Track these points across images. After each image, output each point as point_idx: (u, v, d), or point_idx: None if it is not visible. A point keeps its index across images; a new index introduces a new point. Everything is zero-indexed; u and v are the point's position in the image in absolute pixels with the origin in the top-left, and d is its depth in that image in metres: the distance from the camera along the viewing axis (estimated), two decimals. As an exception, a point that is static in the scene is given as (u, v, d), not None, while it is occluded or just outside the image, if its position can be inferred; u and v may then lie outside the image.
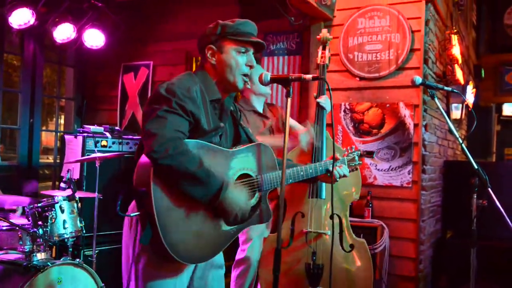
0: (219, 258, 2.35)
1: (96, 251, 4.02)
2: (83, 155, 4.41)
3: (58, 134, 6.16)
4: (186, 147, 2.00)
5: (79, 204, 3.65)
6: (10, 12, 4.65)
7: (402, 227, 4.21)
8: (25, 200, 3.57)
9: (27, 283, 3.01)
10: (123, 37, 5.69)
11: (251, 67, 2.26)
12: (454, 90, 2.98)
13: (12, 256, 3.32)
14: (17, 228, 3.33)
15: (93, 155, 4.03)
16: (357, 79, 4.44)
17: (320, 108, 3.48)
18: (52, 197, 3.56)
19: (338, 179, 2.59)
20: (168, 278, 2.12)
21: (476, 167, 2.59)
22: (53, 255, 3.87)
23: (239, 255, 3.61)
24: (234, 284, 3.58)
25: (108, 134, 4.65)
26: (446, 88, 3.00)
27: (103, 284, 3.40)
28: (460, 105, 6.04)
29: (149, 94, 5.77)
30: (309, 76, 2.24)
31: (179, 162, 1.96)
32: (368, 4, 4.41)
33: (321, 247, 3.27)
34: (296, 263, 3.29)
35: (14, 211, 3.86)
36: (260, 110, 3.72)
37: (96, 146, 4.48)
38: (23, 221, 3.52)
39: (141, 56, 5.87)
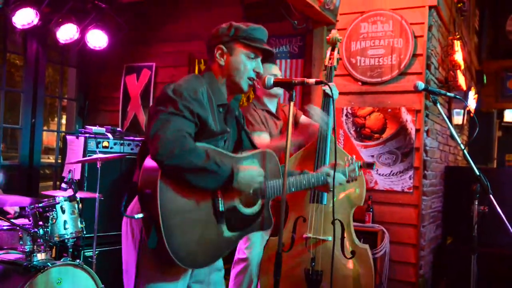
0: (219, 261, 2.35)
1: (96, 252, 4.02)
2: (84, 155, 4.41)
3: (60, 134, 6.16)
4: (191, 144, 1.98)
5: (80, 205, 3.65)
6: (13, 12, 4.65)
7: (403, 232, 4.21)
8: (26, 200, 3.57)
9: (27, 283, 3.01)
10: (126, 38, 5.70)
11: (258, 73, 2.25)
12: (457, 96, 2.98)
13: (13, 256, 3.32)
14: (18, 228, 3.33)
15: (94, 156, 4.04)
16: (359, 83, 4.45)
17: (326, 96, 3.41)
18: (53, 197, 3.56)
19: (331, 189, 2.60)
20: (169, 282, 2.11)
21: (478, 173, 2.59)
22: (53, 255, 3.87)
23: (238, 255, 3.60)
24: (232, 283, 3.57)
25: (109, 135, 4.66)
26: (448, 94, 2.99)
27: (103, 285, 3.39)
28: (462, 111, 6.04)
29: (151, 96, 5.78)
30: (312, 80, 2.25)
31: (186, 159, 1.94)
32: (371, 9, 4.41)
33: (321, 253, 3.23)
34: (296, 268, 3.26)
35: (8, 213, 3.87)
36: (273, 110, 3.63)
37: (97, 147, 4.49)
38: (23, 221, 3.52)
39: (144, 57, 5.88)
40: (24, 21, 4.77)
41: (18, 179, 5.48)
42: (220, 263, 2.38)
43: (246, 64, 2.22)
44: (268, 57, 2.33)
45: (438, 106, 2.77)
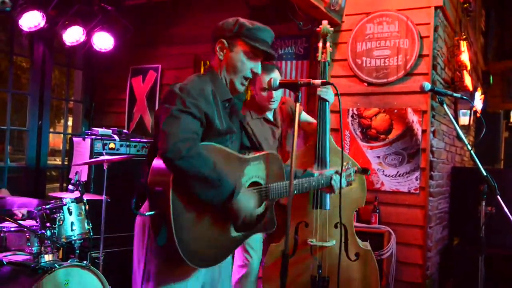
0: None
1: (103, 253, 4.03)
2: (91, 157, 4.43)
3: (66, 136, 6.19)
4: (199, 149, 1.98)
5: (87, 206, 3.67)
6: (20, 14, 4.68)
7: (409, 233, 4.20)
8: (33, 201, 3.59)
9: (35, 285, 3.03)
10: (132, 41, 5.72)
11: (255, 74, 2.24)
12: (463, 97, 2.97)
13: (20, 257, 3.35)
14: (25, 229, 3.35)
15: (101, 158, 4.05)
16: (365, 84, 4.44)
17: (321, 100, 3.26)
18: (60, 199, 3.58)
19: (335, 193, 2.68)
20: (179, 281, 2.12)
21: (485, 173, 2.58)
22: (60, 257, 3.89)
23: (239, 261, 3.55)
24: None
25: (116, 137, 4.67)
26: (455, 94, 2.99)
27: (110, 286, 3.41)
28: (468, 111, 6.02)
29: (157, 97, 5.80)
30: (318, 81, 2.25)
31: (192, 164, 1.93)
32: (377, 10, 4.41)
33: (327, 259, 3.19)
34: (301, 275, 3.22)
35: (17, 215, 3.89)
36: (270, 116, 3.47)
37: (104, 149, 4.50)
38: (31, 222, 3.54)
39: (150, 59, 5.90)
40: (31, 23, 4.80)
41: (25, 181, 5.51)
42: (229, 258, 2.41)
43: (244, 63, 2.20)
44: (269, 60, 2.30)
45: (445, 106, 2.76)
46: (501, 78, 8.41)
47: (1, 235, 3.54)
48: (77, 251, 3.77)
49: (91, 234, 3.67)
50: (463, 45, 4.85)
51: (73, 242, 3.63)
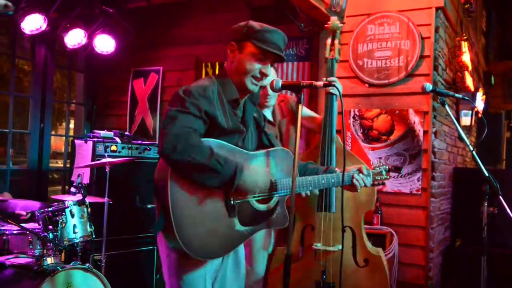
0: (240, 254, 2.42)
1: (106, 256, 4.03)
2: (93, 160, 4.43)
3: (68, 138, 6.20)
4: (195, 141, 2.03)
5: (89, 209, 3.67)
6: (22, 17, 4.69)
7: (411, 234, 4.20)
8: (35, 204, 3.60)
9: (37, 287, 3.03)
10: (133, 43, 5.73)
11: (264, 75, 2.26)
12: (465, 98, 2.97)
13: (23, 260, 3.35)
14: (28, 232, 3.35)
15: (103, 160, 4.05)
16: (367, 85, 4.44)
17: (328, 94, 3.21)
18: (63, 201, 3.58)
19: (358, 190, 2.58)
20: (196, 270, 2.19)
21: (487, 174, 2.58)
22: (63, 259, 3.89)
23: None
24: None
25: (117, 139, 4.67)
26: (456, 95, 2.99)
27: (112, 289, 3.41)
28: (470, 112, 6.02)
29: (159, 100, 5.81)
30: (320, 83, 2.24)
31: (189, 155, 1.99)
32: (378, 11, 4.41)
33: (332, 264, 3.07)
34: (305, 280, 3.11)
35: (22, 215, 3.89)
36: (269, 115, 3.43)
37: (106, 151, 4.50)
38: (33, 225, 3.54)
39: (151, 61, 5.91)
40: (33, 26, 4.81)
41: (27, 184, 5.52)
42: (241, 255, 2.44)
43: (253, 64, 2.23)
44: (278, 62, 2.33)
45: (446, 107, 2.76)
46: (503, 79, 8.41)
47: (4, 238, 3.55)
48: (80, 254, 3.77)
49: (94, 236, 3.68)
50: (464, 46, 4.85)
51: (75, 244, 3.63)
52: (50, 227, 3.39)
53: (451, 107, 5.15)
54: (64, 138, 6.32)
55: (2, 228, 3.56)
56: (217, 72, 6.95)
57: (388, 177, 2.71)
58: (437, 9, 4.25)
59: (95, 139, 4.51)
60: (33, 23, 4.79)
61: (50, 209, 3.46)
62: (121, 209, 4.26)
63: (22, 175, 5.58)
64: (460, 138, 5.38)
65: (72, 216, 3.53)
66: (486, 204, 2.74)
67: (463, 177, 5.14)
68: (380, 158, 4.33)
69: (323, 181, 2.45)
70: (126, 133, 4.90)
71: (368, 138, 4.41)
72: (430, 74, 4.22)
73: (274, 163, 2.33)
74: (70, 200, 3.59)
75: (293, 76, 4.94)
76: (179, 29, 5.69)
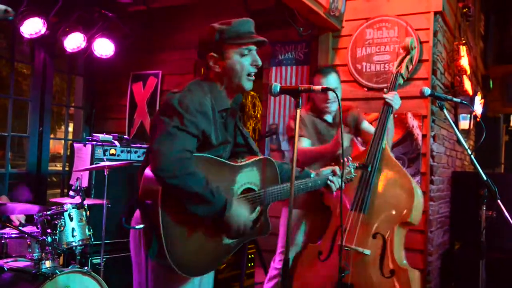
0: None
1: (104, 259, 4.03)
2: (92, 163, 4.44)
3: (67, 142, 6.20)
4: (192, 168, 2.00)
5: (88, 212, 3.67)
6: (21, 21, 4.70)
7: (410, 238, 4.17)
8: (34, 207, 3.59)
9: (36, 291, 3.02)
10: (132, 47, 5.74)
11: (256, 66, 2.24)
12: (463, 102, 2.98)
13: (21, 263, 3.35)
14: (26, 235, 3.35)
15: (101, 164, 4.06)
16: (365, 89, 4.45)
17: (386, 104, 3.33)
18: (61, 205, 3.58)
19: (333, 192, 2.64)
20: (185, 284, 2.16)
21: (485, 178, 2.59)
22: (61, 263, 3.89)
23: (274, 270, 3.53)
24: None
25: (116, 143, 4.68)
26: (455, 99, 3.00)
27: (111, 293, 3.41)
28: (468, 116, 6.03)
29: (158, 103, 5.81)
30: (318, 87, 2.25)
31: (185, 183, 1.97)
32: (376, 15, 4.42)
33: (357, 266, 3.07)
34: (330, 279, 3.11)
35: (14, 221, 3.89)
36: (330, 119, 3.55)
37: (104, 155, 4.51)
38: (32, 228, 3.54)
39: (150, 65, 5.92)
40: (32, 30, 4.82)
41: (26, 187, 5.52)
42: None
43: (242, 62, 2.21)
44: (262, 45, 2.30)
45: (445, 111, 2.78)
46: (501, 82, 8.43)
47: (2, 241, 3.55)
48: (78, 257, 3.77)
49: (92, 240, 3.68)
50: (463, 50, 4.87)
51: (74, 248, 3.63)
52: (49, 230, 3.39)
53: (449, 111, 5.16)
54: (63, 141, 6.32)
55: (1, 231, 3.56)
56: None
57: (356, 174, 2.80)
58: (435, 13, 4.26)
59: (94, 143, 4.52)
60: (33, 27, 4.81)
61: (48, 212, 3.46)
62: (120, 213, 4.26)
63: (21, 178, 5.58)
64: (458, 142, 5.38)
65: (71, 219, 3.53)
66: (484, 208, 2.74)
67: (462, 180, 5.14)
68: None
69: (301, 186, 2.50)
70: (125, 136, 4.91)
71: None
72: (429, 78, 4.23)
73: (258, 173, 2.34)
74: (68, 203, 3.59)
75: (291, 80, 4.95)
76: (178, 33, 5.70)
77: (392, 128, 3.46)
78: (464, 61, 4.86)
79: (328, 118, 3.55)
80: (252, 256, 5.67)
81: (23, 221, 3.95)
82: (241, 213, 2.16)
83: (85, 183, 4.39)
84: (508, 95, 8.51)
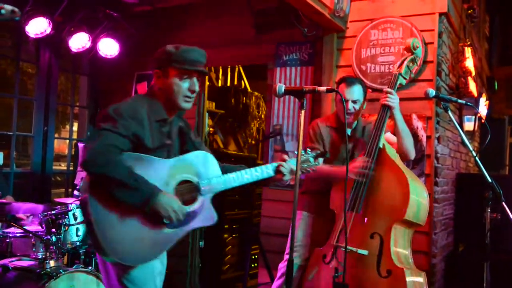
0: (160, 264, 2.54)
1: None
2: (96, 163, 4.44)
3: (72, 141, 6.22)
4: (116, 158, 2.16)
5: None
6: (27, 21, 4.73)
7: (414, 240, 4.15)
8: (38, 207, 3.61)
9: (40, 290, 3.04)
10: (137, 46, 5.74)
11: (192, 91, 2.41)
12: (468, 103, 2.98)
13: (26, 262, 3.36)
14: (31, 235, 3.37)
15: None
16: (370, 90, 4.44)
17: (383, 105, 3.26)
18: (66, 204, 3.59)
19: (285, 179, 2.61)
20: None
21: (490, 180, 2.58)
22: (65, 262, 3.90)
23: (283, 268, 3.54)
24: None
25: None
26: (459, 100, 2.99)
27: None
28: (473, 117, 6.01)
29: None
30: (323, 88, 2.26)
31: (108, 171, 2.13)
32: (381, 16, 4.42)
33: (355, 267, 3.03)
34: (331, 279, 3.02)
35: (23, 219, 3.90)
36: (349, 130, 3.49)
37: (109, 154, 4.51)
38: (36, 228, 3.55)
39: (155, 65, 5.92)
40: (37, 30, 4.84)
41: (30, 187, 5.53)
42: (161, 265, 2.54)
43: (180, 85, 2.39)
44: (203, 76, 2.51)
45: (449, 113, 2.77)
46: (506, 84, 8.41)
47: (7, 240, 3.57)
48: (82, 257, 3.78)
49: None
50: (468, 51, 4.85)
51: (78, 247, 3.64)
52: (53, 230, 3.41)
53: (454, 112, 5.14)
54: (67, 141, 6.34)
55: (6, 231, 3.58)
56: (220, 77, 6.97)
57: (317, 163, 2.75)
58: (440, 14, 4.25)
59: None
60: (38, 26, 4.83)
61: (53, 212, 3.48)
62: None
63: (25, 178, 5.60)
64: (463, 143, 5.37)
65: (75, 219, 3.54)
66: (489, 210, 2.73)
67: (466, 182, 5.13)
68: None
69: (246, 176, 2.53)
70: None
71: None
72: (433, 79, 4.22)
73: (195, 165, 2.43)
74: (73, 203, 3.60)
75: (296, 81, 4.94)
76: (182, 33, 5.71)
77: (405, 130, 3.35)
78: (469, 63, 4.84)
79: (348, 131, 3.46)
80: (256, 256, 5.67)
81: (30, 219, 3.97)
82: (170, 201, 2.26)
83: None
84: (513, 96, 8.48)
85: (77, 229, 3.54)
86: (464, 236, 5.03)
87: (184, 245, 5.38)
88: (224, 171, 2.54)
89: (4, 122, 6.27)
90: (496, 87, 7.66)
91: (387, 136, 3.47)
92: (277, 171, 2.61)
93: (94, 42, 5.37)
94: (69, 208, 3.54)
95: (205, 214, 2.43)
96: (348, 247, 2.97)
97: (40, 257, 3.34)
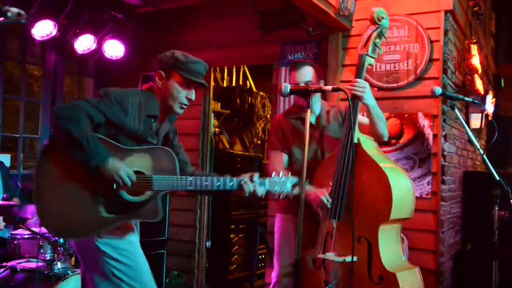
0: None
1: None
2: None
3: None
4: (78, 117, 2.23)
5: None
6: (32, 23, 4.74)
7: (422, 238, 4.17)
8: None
9: (48, 292, 3.05)
10: (142, 48, 5.76)
11: (189, 100, 2.51)
12: (475, 101, 2.96)
13: (34, 264, 3.37)
14: (39, 236, 3.38)
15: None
16: (375, 89, 4.43)
17: (352, 96, 2.88)
18: (73, 206, 3.59)
19: (246, 195, 2.52)
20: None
21: (497, 178, 2.57)
22: (73, 263, 3.91)
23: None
24: None
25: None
26: (466, 98, 2.98)
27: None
28: (480, 115, 5.98)
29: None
30: (328, 87, 2.26)
31: (66, 124, 2.20)
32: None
33: (343, 275, 2.86)
34: (328, 283, 2.91)
35: (29, 218, 3.91)
36: (312, 118, 3.19)
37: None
38: (44, 229, 3.56)
39: (160, 66, 5.92)
40: (43, 32, 4.86)
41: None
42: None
43: (179, 91, 2.48)
44: (202, 87, 2.56)
45: (456, 111, 2.76)
46: (512, 81, 8.35)
47: (15, 242, 3.58)
48: (90, 258, 3.78)
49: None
50: (474, 49, 4.83)
51: (85, 249, 3.63)
52: (61, 231, 3.40)
53: (460, 110, 5.12)
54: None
55: (13, 232, 3.59)
56: (225, 77, 6.97)
57: (289, 191, 2.59)
58: (446, 12, 4.23)
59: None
60: (44, 29, 4.84)
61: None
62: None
63: (32, 179, 5.61)
64: (470, 141, 5.34)
65: (82, 220, 3.54)
66: (497, 208, 2.72)
67: (474, 180, 5.11)
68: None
69: (206, 183, 2.48)
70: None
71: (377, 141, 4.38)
72: (439, 77, 4.20)
73: (152, 160, 2.43)
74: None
75: (301, 80, 4.93)
76: (187, 34, 5.71)
77: (379, 116, 3.07)
78: (475, 60, 4.82)
79: (311, 118, 3.19)
80: (262, 256, 5.67)
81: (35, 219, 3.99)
82: (120, 165, 2.28)
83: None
84: (519, 93, 8.43)
85: (84, 231, 3.54)
86: (472, 235, 5.00)
87: (191, 246, 5.39)
88: (185, 174, 2.57)
89: (11, 125, 6.29)
90: (502, 84, 7.61)
91: (362, 119, 3.23)
92: (240, 186, 2.52)
93: (100, 43, 5.39)
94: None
95: (148, 209, 2.40)
96: (335, 258, 2.84)
97: (48, 258, 3.35)
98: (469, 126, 5.29)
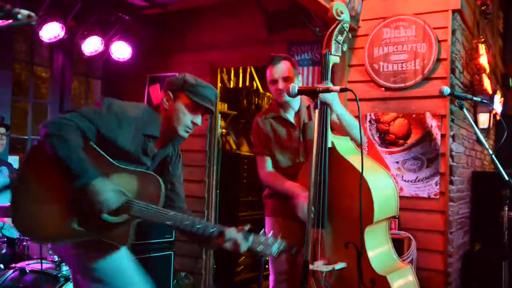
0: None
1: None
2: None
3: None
4: (67, 136, 2.16)
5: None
6: (40, 25, 4.77)
7: (430, 239, 4.15)
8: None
9: (57, 292, 3.06)
10: (149, 49, 5.77)
11: (195, 124, 2.44)
12: (483, 101, 2.94)
13: (43, 265, 3.39)
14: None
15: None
16: (383, 89, 4.42)
17: (322, 103, 2.70)
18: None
19: (226, 245, 2.39)
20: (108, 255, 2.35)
21: (507, 178, 2.55)
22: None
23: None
24: None
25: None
26: (474, 98, 2.96)
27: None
28: (488, 115, 5.94)
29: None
30: (336, 88, 2.24)
31: (53, 143, 2.15)
32: (393, 14, 4.39)
33: (338, 283, 2.76)
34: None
35: None
36: (291, 117, 3.11)
37: (123, 157, 4.53)
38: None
39: (167, 67, 5.94)
40: (51, 35, 4.88)
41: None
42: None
43: (185, 114, 2.41)
44: (209, 113, 2.49)
45: (464, 111, 2.74)
46: (521, 81, 8.29)
47: (24, 244, 3.60)
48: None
49: (112, 242, 3.69)
50: (482, 48, 4.81)
51: (94, 250, 3.65)
52: (69, 232, 3.42)
53: (468, 110, 5.09)
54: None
55: (22, 234, 3.60)
56: (232, 78, 6.97)
57: (274, 253, 2.45)
58: (453, 11, 4.21)
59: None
60: (51, 31, 4.86)
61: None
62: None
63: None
64: (478, 141, 5.31)
65: (91, 221, 3.56)
66: (506, 209, 2.70)
67: (482, 180, 5.08)
68: (397, 162, 4.30)
69: (186, 222, 2.33)
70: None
71: (385, 142, 4.38)
72: (447, 77, 4.18)
73: (138, 183, 2.32)
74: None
75: (308, 81, 4.93)
76: (194, 35, 5.72)
77: (350, 123, 2.90)
78: (483, 60, 4.80)
79: (290, 115, 3.11)
80: (270, 257, 5.66)
81: None
82: (110, 194, 2.19)
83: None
84: (528, 93, 8.37)
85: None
86: (480, 235, 4.98)
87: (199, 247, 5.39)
88: (173, 208, 2.48)
89: (19, 126, 6.33)
90: (510, 83, 7.58)
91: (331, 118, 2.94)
92: (220, 235, 2.37)
93: (107, 45, 5.40)
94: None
95: (119, 233, 2.28)
96: (323, 268, 2.73)
97: (56, 260, 3.37)
98: (477, 126, 5.26)
